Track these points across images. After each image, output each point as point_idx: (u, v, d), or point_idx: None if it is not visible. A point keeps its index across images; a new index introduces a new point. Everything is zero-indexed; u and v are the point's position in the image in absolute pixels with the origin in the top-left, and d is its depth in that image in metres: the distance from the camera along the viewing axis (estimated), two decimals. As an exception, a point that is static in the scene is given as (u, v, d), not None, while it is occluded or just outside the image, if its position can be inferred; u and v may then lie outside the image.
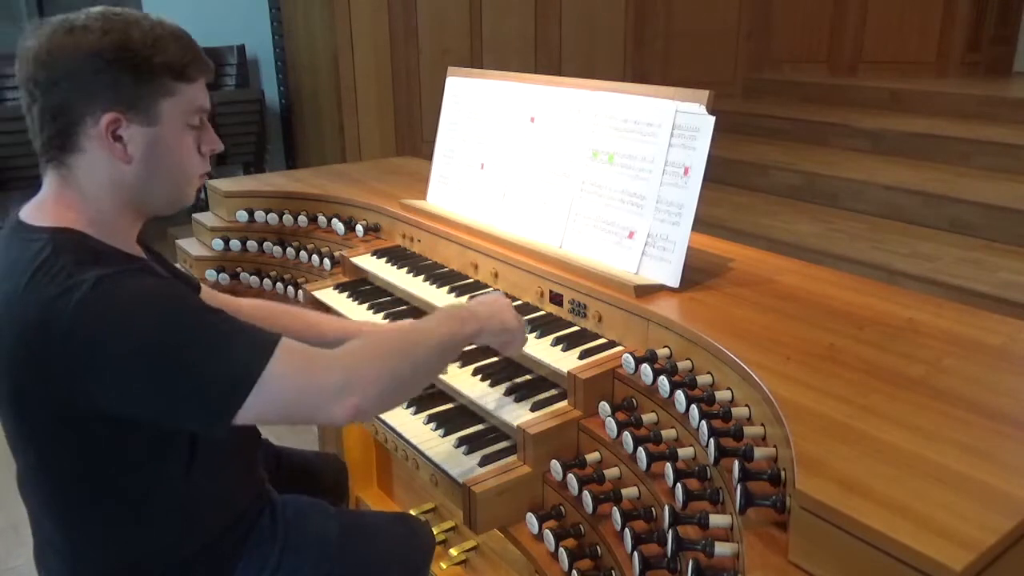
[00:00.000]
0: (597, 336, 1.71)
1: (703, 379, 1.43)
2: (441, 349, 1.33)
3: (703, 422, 1.30)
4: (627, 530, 1.34)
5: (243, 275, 2.56)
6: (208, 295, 1.61)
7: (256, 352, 1.12)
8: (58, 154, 1.18)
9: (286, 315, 1.67)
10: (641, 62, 6.20)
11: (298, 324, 1.63)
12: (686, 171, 1.66)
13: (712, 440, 1.26)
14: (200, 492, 1.27)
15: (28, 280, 1.09)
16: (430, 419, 1.68)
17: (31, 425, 1.16)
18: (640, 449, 1.39)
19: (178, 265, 2.75)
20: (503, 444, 1.58)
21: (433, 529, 2.00)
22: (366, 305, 2.09)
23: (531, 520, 1.50)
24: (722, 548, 1.15)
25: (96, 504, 1.21)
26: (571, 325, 1.77)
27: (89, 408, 1.10)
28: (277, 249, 2.55)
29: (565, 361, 1.63)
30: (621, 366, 1.56)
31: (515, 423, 1.53)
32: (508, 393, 1.64)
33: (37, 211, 1.20)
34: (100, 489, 1.20)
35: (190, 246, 2.71)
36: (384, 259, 2.25)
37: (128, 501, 1.22)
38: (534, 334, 1.74)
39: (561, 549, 1.44)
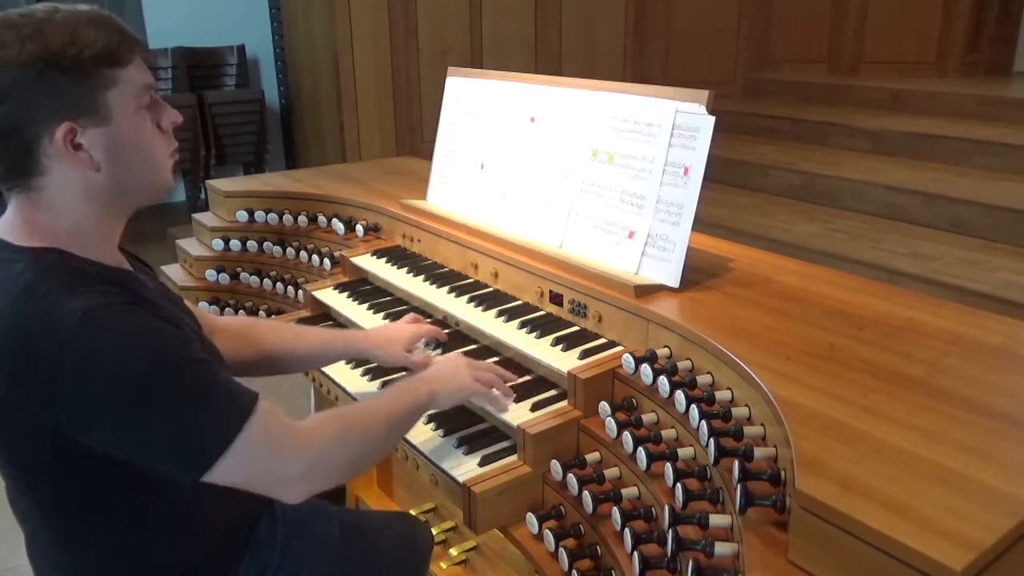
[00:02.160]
0: (597, 336, 1.71)
1: (703, 379, 1.43)
2: (399, 423, 1.38)
3: (703, 422, 1.30)
4: (627, 530, 1.34)
5: (243, 275, 2.56)
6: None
7: (232, 418, 1.11)
8: (21, 179, 1.12)
9: (260, 333, 1.63)
10: (641, 62, 6.21)
11: (269, 344, 1.62)
12: (686, 171, 1.66)
13: (712, 440, 1.26)
14: (199, 502, 1.25)
15: (11, 303, 1.06)
16: (430, 419, 1.68)
17: (16, 448, 1.13)
18: (640, 449, 1.39)
19: (177, 263, 2.75)
20: (503, 444, 1.58)
21: (433, 529, 2.00)
22: (366, 305, 2.09)
23: (531, 520, 1.50)
24: (722, 548, 1.15)
25: (90, 522, 1.18)
26: (571, 325, 1.77)
27: (71, 437, 1.07)
28: (277, 249, 2.55)
29: (565, 361, 1.63)
30: (621, 366, 1.56)
31: (515, 423, 1.53)
32: (508, 393, 1.64)
33: (11, 230, 1.15)
34: (93, 508, 1.17)
35: (190, 246, 2.71)
36: (384, 259, 2.25)
37: (123, 518, 1.19)
38: (534, 334, 1.74)
39: (561, 549, 1.44)
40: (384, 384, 1.79)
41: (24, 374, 1.04)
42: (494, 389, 1.57)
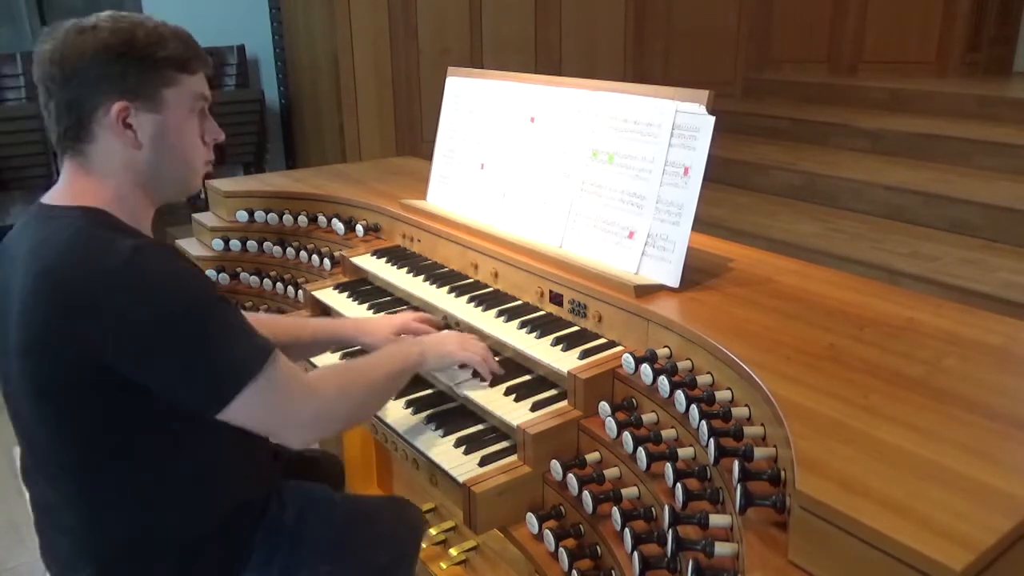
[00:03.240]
0: (597, 336, 1.71)
1: (703, 379, 1.43)
2: (392, 379, 1.51)
3: (703, 422, 1.30)
4: (627, 530, 1.34)
5: (243, 275, 2.56)
6: None
7: (256, 355, 1.23)
8: (74, 144, 1.28)
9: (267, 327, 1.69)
10: (641, 62, 6.20)
11: (281, 336, 1.66)
12: (686, 171, 1.66)
13: (712, 440, 1.26)
14: (218, 459, 1.33)
15: (64, 249, 1.18)
16: (430, 419, 1.68)
17: (59, 385, 1.20)
18: (640, 449, 1.39)
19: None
20: (503, 444, 1.58)
21: (433, 529, 2.01)
22: (366, 305, 2.09)
23: (531, 520, 1.50)
24: (722, 548, 1.15)
25: (114, 469, 1.25)
26: (571, 325, 1.77)
27: (110, 370, 1.16)
28: (277, 249, 2.55)
29: (565, 361, 1.63)
30: (621, 366, 1.56)
31: (515, 423, 1.54)
32: (508, 393, 1.64)
33: (60, 195, 1.29)
34: (118, 453, 1.24)
35: (190, 246, 2.71)
36: (384, 259, 2.25)
37: (146, 466, 1.26)
38: (534, 334, 1.74)
39: (561, 549, 1.44)
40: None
41: (76, 306, 1.15)
42: (477, 357, 1.66)
